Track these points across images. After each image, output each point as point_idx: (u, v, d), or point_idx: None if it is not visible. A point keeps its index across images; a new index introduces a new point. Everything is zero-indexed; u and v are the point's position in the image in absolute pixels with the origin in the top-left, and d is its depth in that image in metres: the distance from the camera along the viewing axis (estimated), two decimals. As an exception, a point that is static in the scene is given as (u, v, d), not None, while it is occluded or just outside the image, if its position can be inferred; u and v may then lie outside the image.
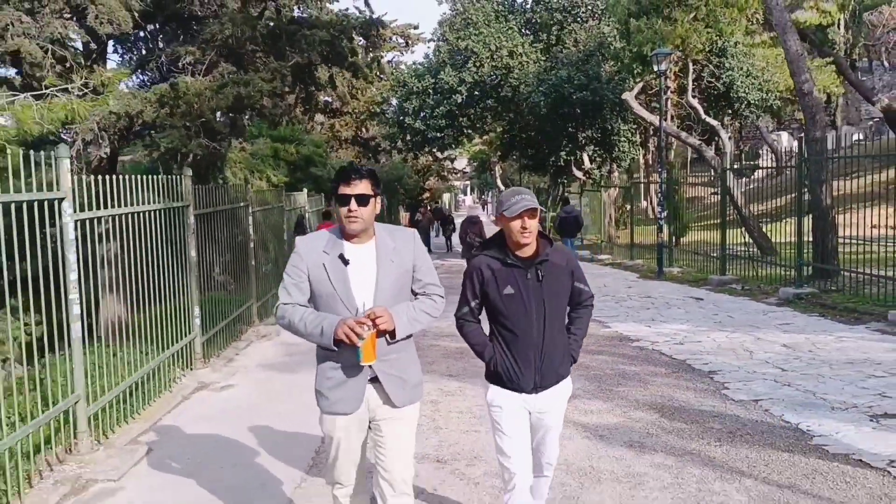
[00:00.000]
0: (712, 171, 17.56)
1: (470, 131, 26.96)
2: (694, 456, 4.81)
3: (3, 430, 4.30)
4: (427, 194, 46.27)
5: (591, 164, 25.89)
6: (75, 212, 5.24)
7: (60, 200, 5.07)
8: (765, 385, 6.49)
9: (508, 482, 3.32)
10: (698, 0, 16.10)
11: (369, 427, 3.17)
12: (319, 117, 21.93)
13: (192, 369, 7.79)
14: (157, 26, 9.87)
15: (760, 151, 31.66)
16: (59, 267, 5.07)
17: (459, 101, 23.87)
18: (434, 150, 27.84)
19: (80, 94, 6.54)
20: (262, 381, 7.65)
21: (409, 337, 3.13)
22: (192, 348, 7.86)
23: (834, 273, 11.91)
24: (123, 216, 6.09)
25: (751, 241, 16.29)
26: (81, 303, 5.23)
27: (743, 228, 16.55)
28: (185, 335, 7.63)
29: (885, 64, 40.80)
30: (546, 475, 3.58)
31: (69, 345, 5.22)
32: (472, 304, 3.35)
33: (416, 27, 25.35)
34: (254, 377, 7.85)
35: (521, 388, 3.27)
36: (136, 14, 8.10)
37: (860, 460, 4.62)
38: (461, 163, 58.25)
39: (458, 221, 24.62)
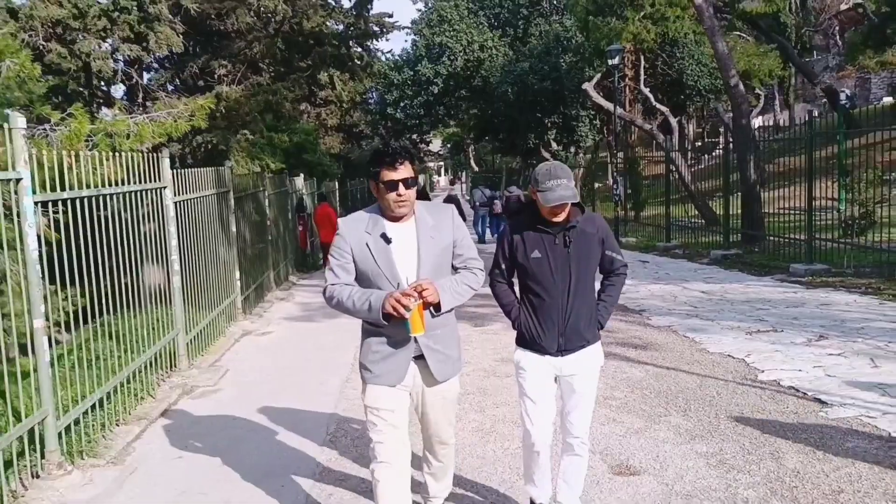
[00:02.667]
0: (662, 151, 19.73)
1: (446, 118, 29.04)
2: (616, 356, 6.93)
3: (139, 352, 6.32)
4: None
5: (557, 146, 28.10)
6: (174, 195, 7.23)
7: (163, 188, 7.05)
8: (678, 316, 8.68)
9: (528, 443, 3.43)
10: (646, 0, 18.22)
11: (412, 402, 3.28)
12: (307, 106, 23.78)
13: (235, 321, 9.81)
14: (192, 43, 11.69)
15: (720, 131, 34.02)
16: (162, 236, 7.05)
17: (436, 91, 25.93)
18: (412, 135, 29.90)
19: (172, 115, 8.45)
20: (291, 328, 9.69)
21: (451, 311, 3.22)
22: (235, 304, 9.86)
23: (760, 238, 14.16)
24: (197, 199, 8.08)
25: (697, 213, 18.55)
26: (180, 259, 7.24)
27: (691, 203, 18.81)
28: (230, 294, 9.64)
29: (839, 45, 43.27)
30: (578, 454, 3.48)
31: (170, 293, 7.21)
32: (503, 265, 3.45)
33: (390, 15, 27.29)
34: (284, 325, 9.89)
35: (545, 349, 3.33)
36: (181, 36, 10.03)
37: (729, 355, 6.79)
38: (436, 145, 60.01)
39: (436, 201, 26.72)
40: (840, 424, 4.83)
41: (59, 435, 4.59)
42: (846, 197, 12.55)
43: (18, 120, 4.29)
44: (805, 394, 5.51)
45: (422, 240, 3.13)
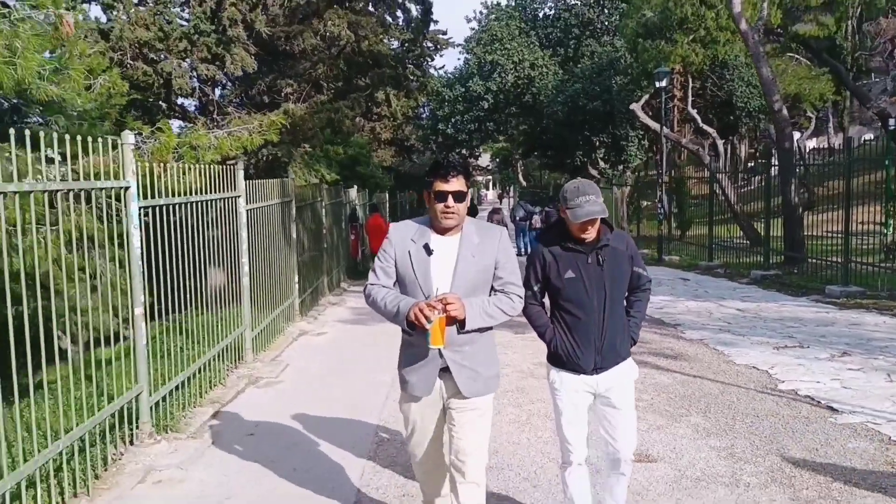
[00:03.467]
0: (707, 172, 20.04)
1: (495, 134, 29.70)
2: (648, 364, 7.44)
3: (213, 345, 7.05)
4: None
5: (605, 164, 28.52)
6: (246, 203, 7.98)
7: (238, 197, 7.81)
8: (711, 331, 9.12)
9: (566, 459, 3.46)
10: (696, 24, 18.62)
11: (444, 414, 3.31)
12: (361, 121, 24.66)
13: (293, 322, 10.53)
14: (261, 63, 12.54)
15: (772, 152, 33.99)
16: (235, 241, 7.80)
17: (486, 107, 26.62)
18: (462, 150, 30.66)
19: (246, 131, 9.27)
20: (344, 330, 10.37)
21: (487, 330, 3.24)
22: (293, 306, 10.60)
23: (800, 260, 14.42)
24: (264, 207, 8.84)
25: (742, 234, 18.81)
26: (249, 262, 7.99)
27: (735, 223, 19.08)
28: (289, 296, 10.38)
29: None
30: (623, 473, 3.50)
31: (240, 292, 7.95)
32: (535, 287, 3.45)
33: (444, 33, 28.15)
34: (338, 328, 10.58)
35: (582, 368, 3.34)
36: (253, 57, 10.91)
37: (754, 367, 7.24)
38: (484, 159, 60.69)
39: (482, 214, 27.48)
40: (846, 428, 5.29)
41: (151, 409, 5.32)
42: (892, 222, 12.76)
43: (129, 136, 5.03)
44: (819, 402, 5.96)
45: (461, 256, 3.17)
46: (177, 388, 5.90)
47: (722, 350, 8.00)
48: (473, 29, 28.58)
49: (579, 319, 3.33)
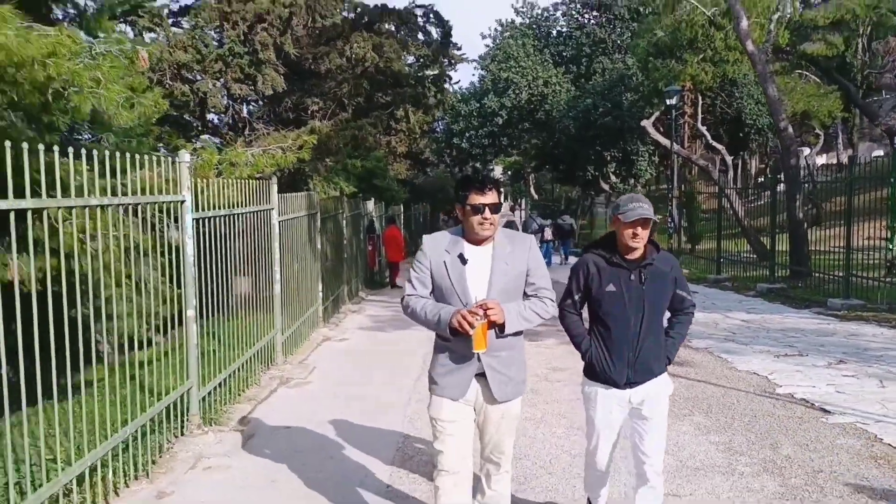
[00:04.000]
0: (716, 188, 20.51)
1: (508, 148, 30.31)
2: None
3: (249, 347, 7.57)
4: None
5: (616, 178, 29.03)
6: (278, 215, 8.53)
7: (271, 210, 8.35)
8: (716, 340, 9.57)
9: (590, 459, 3.66)
10: (705, 44, 19.15)
11: (475, 418, 3.44)
12: (379, 136, 25.29)
13: (317, 328, 11.05)
14: (288, 82, 13.16)
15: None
16: (268, 250, 8.33)
17: (500, 122, 27.22)
18: (476, 164, 31.26)
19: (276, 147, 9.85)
20: (365, 336, 10.88)
21: (519, 334, 3.38)
22: (317, 313, 11.12)
23: (805, 274, 14.84)
24: (294, 219, 9.38)
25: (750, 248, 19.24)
26: (280, 270, 8.52)
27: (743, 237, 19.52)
28: (314, 303, 10.90)
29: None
30: (652, 485, 3.52)
31: (272, 299, 8.47)
32: (576, 296, 3.55)
33: (459, 48, 28.82)
34: (359, 334, 11.09)
35: (614, 381, 3.42)
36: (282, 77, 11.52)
37: (755, 373, 7.69)
38: (496, 172, 61.26)
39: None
40: (836, 427, 5.75)
41: (200, 403, 5.84)
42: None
43: (185, 156, 5.58)
44: (813, 404, 6.42)
45: (496, 264, 3.30)
46: (220, 385, 6.42)
47: (725, 357, 8.46)
48: (488, 46, 29.35)
49: (615, 333, 3.41)
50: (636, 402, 3.43)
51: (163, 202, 5.27)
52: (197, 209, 5.87)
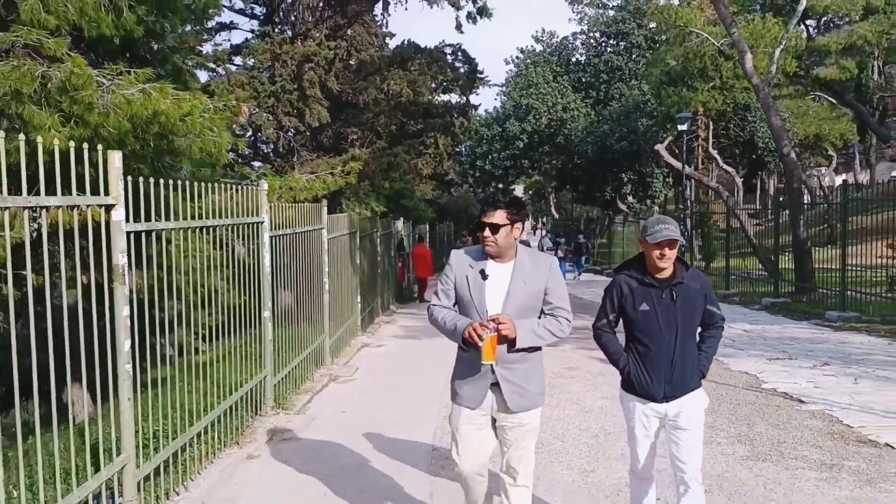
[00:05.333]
0: (727, 208, 21.55)
1: (529, 170, 31.60)
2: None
3: (305, 348, 8.76)
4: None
5: (633, 199, 30.14)
6: (328, 234, 9.74)
7: (322, 229, 9.56)
8: (716, 346, 10.62)
9: (634, 468, 3.77)
10: (714, 72, 20.28)
11: (495, 429, 3.59)
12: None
13: (356, 336, 12.24)
14: (329, 113, 14.45)
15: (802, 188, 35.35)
16: (319, 262, 9.54)
17: (521, 146, 28.50)
18: (498, 185, 32.57)
19: (331, 172, 11.11)
20: (400, 344, 12.03)
21: (537, 350, 3.54)
22: (356, 322, 12.31)
23: (809, 289, 15.82)
24: (338, 237, 10.60)
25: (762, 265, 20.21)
26: (328, 281, 9.73)
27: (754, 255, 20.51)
28: (354, 313, 12.09)
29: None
30: (692, 489, 3.57)
31: (322, 307, 9.67)
32: (611, 316, 3.67)
33: (481, 72, 30.20)
34: (394, 342, 12.25)
35: (652, 396, 3.55)
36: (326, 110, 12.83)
37: (745, 372, 8.75)
38: (518, 191, 62.49)
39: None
40: (807, 413, 6.82)
41: (274, 388, 7.03)
42: None
43: (264, 184, 6.82)
44: (791, 396, 7.49)
45: (514, 281, 3.47)
46: (286, 376, 7.62)
47: (722, 360, 9.52)
48: (510, 71, 30.75)
49: (651, 350, 3.53)
50: (672, 414, 3.55)
51: (249, 222, 6.49)
52: (272, 229, 7.10)
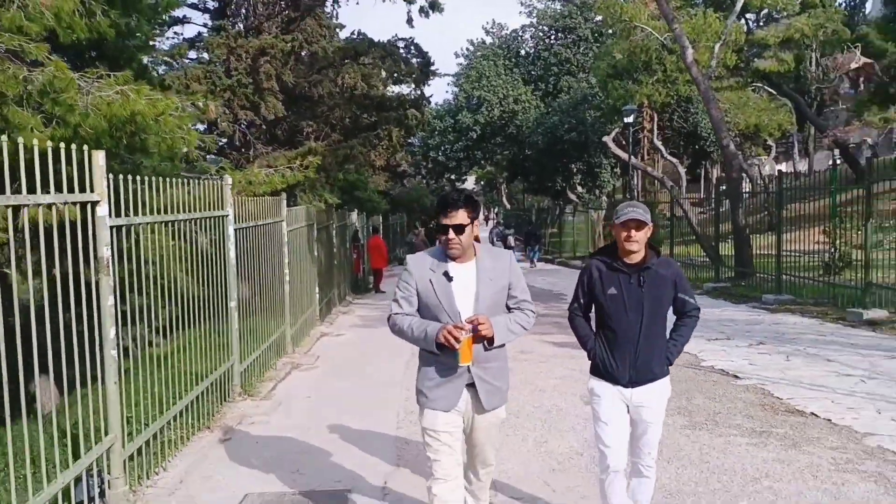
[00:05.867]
0: (671, 198, 22.29)
1: (482, 161, 32.12)
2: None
3: (266, 339, 9.03)
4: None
5: (582, 189, 30.87)
6: (287, 226, 10.00)
7: (282, 222, 9.81)
8: (660, 329, 11.21)
9: (603, 465, 3.66)
10: (658, 66, 20.97)
11: (464, 425, 3.55)
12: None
13: (315, 326, 12.51)
14: (284, 106, 14.63)
15: (744, 176, 36.56)
16: (279, 254, 9.79)
17: (473, 137, 28.95)
18: (451, 175, 33.00)
19: (289, 166, 11.33)
20: (358, 333, 12.35)
21: (502, 346, 3.50)
22: (315, 312, 12.59)
23: (748, 274, 16.58)
24: (297, 229, 10.86)
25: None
26: (289, 273, 9.99)
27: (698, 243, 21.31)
28: (312, 304, 12.37)
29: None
30: (647, 476, 3.76)
31: (282, 297, 9.93)
32: (581, 300, 3.73)
33: (433, 65, 30.57)
34: (352, 331, 12.56)
35: (617, 380, 3.59)
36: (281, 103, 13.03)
37: (686, 352, 9.27)
38: (470, 182, 62.97)
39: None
40: (741, 387, 7.38)
41: (240, 376, 7.31)
42: (838, 241, 14.72)
43: (228, 179, 7.07)
44: (728, 372, 8.06)
45: (480, 280, 3.43)
46: (252, 363, 7.89)
47: (666, 342, 10.08)
48: (461, 64, 31.18)
49: (617, 334, 3.58)
50: (636, 402, 3.59)
51: (215, 216, 6.74)
52: (236, 222, 7.36)
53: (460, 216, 3.36)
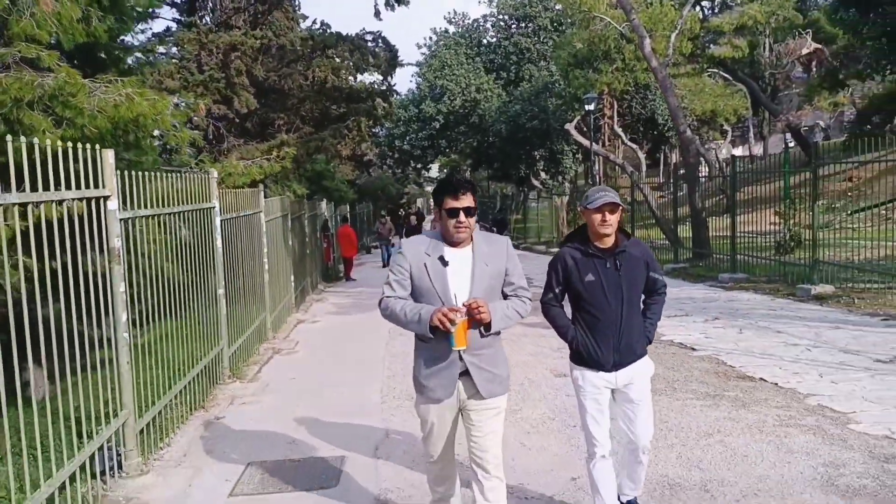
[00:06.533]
0: (631, 182, 23.01)
1: (446, 150, 32.60)
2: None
3: (249, 325, 9.42)
4: (404, 200, 51.28)
5: (545, 175, 31.52)
6: (265, 216, 10.36)
7: (260, 212, 10.17)
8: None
9: (591, 452, 3.66)
10: (617, 54, 21.59)
11: (461, 414, 3.48)
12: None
13: (291, 313, 12.89)
14: (256, 99, 14.90)
15: (702, 160, 37.59)
16: (258, 244, 10.16)
17: (437, 126, 29.38)
18: (417, 164, 33.45)
19: (267, 158, 11.64)
20: (333, 319, 12.76)
21: (498, 334, 3.44)
22: (291, 300, 12.96)
23: (706, 255, 17.31)
24: (274, 220, 11.22)
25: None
26: (267, 263, 10.36)
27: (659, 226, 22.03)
28: (288, 292, 12.74)
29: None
30: (641, 461, 3.76)
31: (263, 286, 10.30)
32: (556, 290, 3.67)
33: (400, 58, 30.93)
34: (327, 317, 12.96)
35: (601, 365, 3.57)
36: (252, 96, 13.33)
37: (648, 329, 9.91)
38: (434, 170, 63.34)
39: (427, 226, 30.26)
40: (697, 357, 7.98)
41: (229, 359, 7.70)
42: (789, 221, 15.44)
43: (214, 172, 7.43)
44: (685, 345, 8.66)
45: (476, 265, 3.36)
46: (238, 348, 8.28)
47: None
48: (424, 54, 31.57)
49: (598, 320, 3.56)
50: (622, 383, 3.61)
51: (204, 208, 7.11)
52: (221, 213, 7.73)
53: (469, 198, 3.34)
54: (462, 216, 3.30)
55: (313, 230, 18.03)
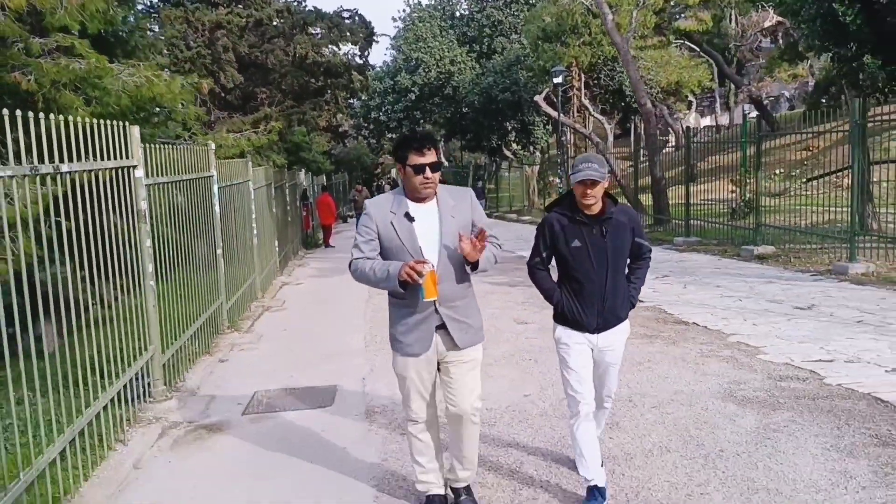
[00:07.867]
0: (598, 152, 24.04)
1: (421, 121, 33.36)
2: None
3: (242, 283, 10.32)
4: (378, 170, 52.00)
5: (517, 146, 32.48)
6: (253, 185, 11.21)
7: (249, 181, 11.02)
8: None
9: (574, 410, 3.72)
10: (584, 28, 22.49)
11: (438, 368, 3.56)
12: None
13: (276, 276, 13.79)
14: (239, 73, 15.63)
15: (668, 131, 38.67)
16: (247, 210, 11.02)
17: (413, 98, 30.12)
18: (392, 136, 34.22)
19: (255, 130, 12.41)
20: (315, 281, 13.68)
21: (469, 284, 3.57)
22: (275, 264, 13.85)
23: (665, 221, 18.43)
24: (260, 188, 12.07)
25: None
26: (255, 227, 11.24)
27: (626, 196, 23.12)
28: (273, 256, 13.63)
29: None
30: (606, 407, 4.00)
31: (252, 249, 11.19)
32: (543, 254, 3.73)
33: (376, 34, 31.58)
34: (310, 280, 13.89)
35: (585, 327, 3.65)
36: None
37: (604, 285, 10.96)
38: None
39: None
40: (642, 309, 9.04)
41: (226, 313, 8.63)
42: (745, 189, 16.45)
43: (212, 144, 8.28)
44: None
45: (444, 218, 3.42)
46: (234, 304, 9.20)
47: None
48: (398, 27, 32.26)
49: (583, 285, 3.61)
50: (602, 346, 3.69)
51: (205, 176, 7.98)
52: (218, 182, 8.60)
53: (433, 154, 3.37)
54: (428, 171, 3.34)
55: (293, 199, 18.86)
